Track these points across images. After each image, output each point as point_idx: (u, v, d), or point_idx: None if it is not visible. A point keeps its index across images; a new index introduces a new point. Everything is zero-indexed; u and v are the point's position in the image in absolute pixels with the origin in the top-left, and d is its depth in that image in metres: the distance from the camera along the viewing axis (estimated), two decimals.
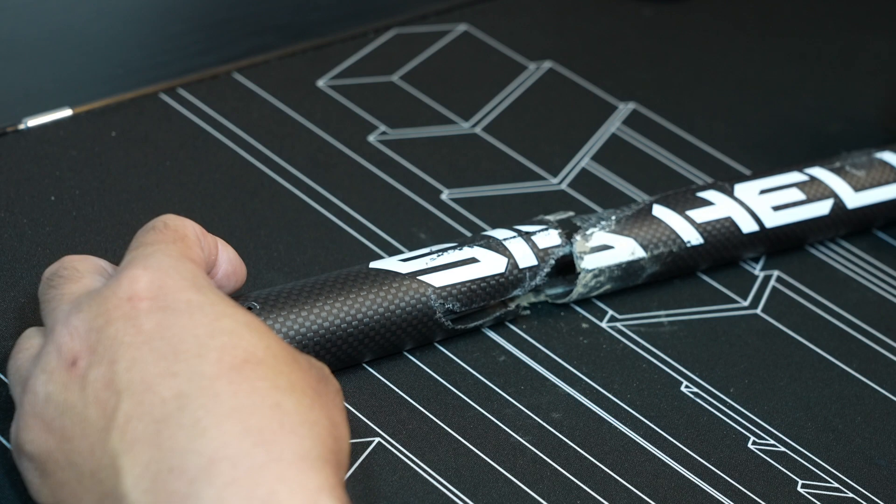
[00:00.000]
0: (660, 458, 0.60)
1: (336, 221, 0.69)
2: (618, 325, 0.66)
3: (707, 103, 0.81)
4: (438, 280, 0.61)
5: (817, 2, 0.91)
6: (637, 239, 0.65)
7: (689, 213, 0.67)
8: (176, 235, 0.52)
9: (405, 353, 0.62)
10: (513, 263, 0.63)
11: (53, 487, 0.48)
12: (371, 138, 0.74)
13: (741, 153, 0.77)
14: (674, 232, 0.66)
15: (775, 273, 0.70)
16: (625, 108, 0.79)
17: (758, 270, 0.70)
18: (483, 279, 0.62)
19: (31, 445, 0.48)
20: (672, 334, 0.66)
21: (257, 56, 0.78)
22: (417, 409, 0.60)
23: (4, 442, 0.55)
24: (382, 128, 0.75)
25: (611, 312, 0.66)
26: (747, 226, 0.68)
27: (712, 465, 0.60)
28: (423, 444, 0.58)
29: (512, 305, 0.64)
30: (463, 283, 0.61)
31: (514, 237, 0.63)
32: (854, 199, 0.70)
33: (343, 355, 0.59)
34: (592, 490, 0.58)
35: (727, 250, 0.68)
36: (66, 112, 0.72)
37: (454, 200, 0.71)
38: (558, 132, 0.77)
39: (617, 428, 0.61)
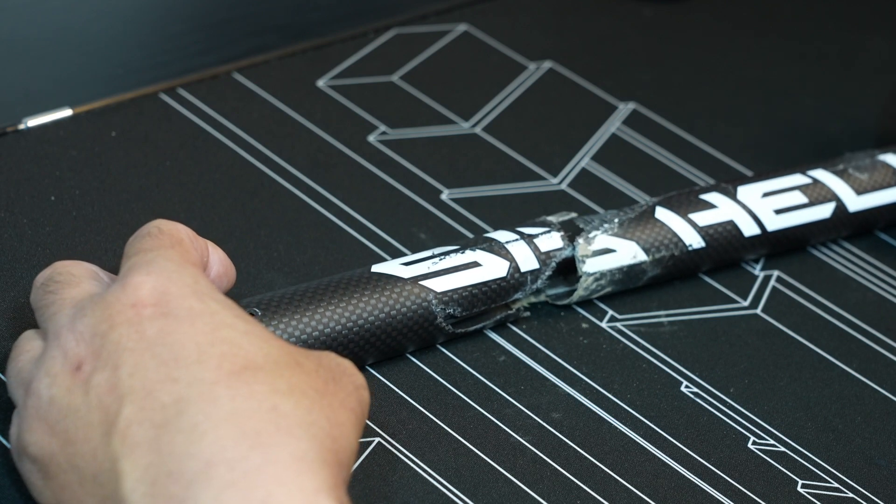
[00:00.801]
0: (660, 458, 0.60)
1: (336, 221, 0.69)
2: (618, 325, 0.66)
3: (707, 103, 0.81)
4: (440, 285, 0.61)
5: (817, 2, 0.91)
6: (639, 242, 0.65)
7: (692, 215, 0.66)
8: (172, 240, 0.52)
9: (405, 354, 0.62)
10: (514, 267, 0.63)
11: (55, 490, 0.48)
12: (371, 138, 0.74)
13: (741, 153, 0.77)
14: (676, 235, 0.66)
15: (775, 273, 0.70)
16: (625, 108, 0.79)
17: (758, 270, 0.70)
18: (484, 283, 0.62)
19: (35, 447, 0.48)
20: (672, 334, 0.66)
21: (257, 56, 0.78)
22: (417, 409, 0.60)
23: (4, 442, 0.55)
24: (382, 128, 0.75)
25: (611, 312, 0.66)
26: (749, 229, 0.68)
27: (712, 465, 0.60)
28: (423, 444, 0.59)
29: (513, 308, 0.64)
30: (464, 288, 0.61)
31: (517, 240, 0.63)
32: (856, 203, 0.70)
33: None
34: (592, 490, 0.58)
35: (728, 253, 0.68)
36: (66, 112, 0.72)
37: (454, 200, 0.71)
38: (558, 132, 0.77)
39: (617, 428, 0.61)
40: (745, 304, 0.68)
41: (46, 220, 0.66)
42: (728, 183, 0.69)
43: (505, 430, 0.60)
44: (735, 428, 0.62)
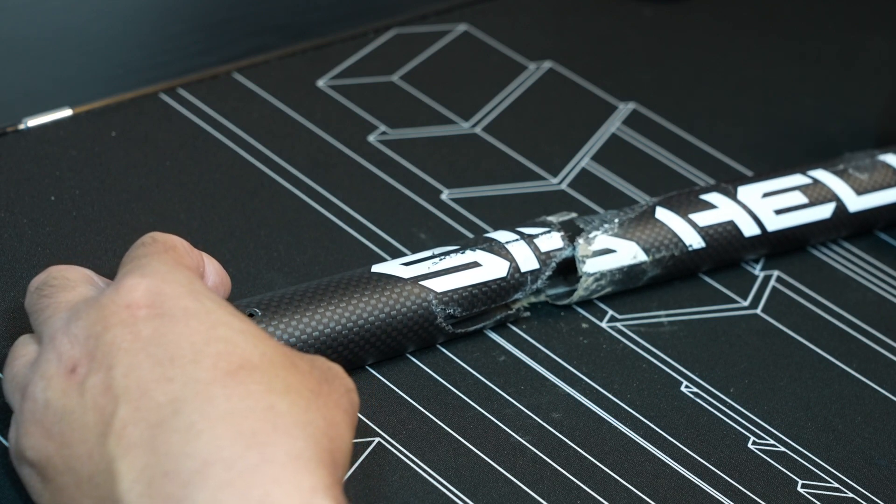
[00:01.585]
0: (660, 458, 0.60)
1: (336, 221, 0.69)
2: (618, 325, 0.66)
3: (707, 103, 0.81)
4: (440, 285, 0.61)
5: (817, 2, 0.91)
6: (639, 242, 0.65)
7: (692, 216, 0.66)
8: (165, 246, 0.53)
9: (405, 354, 0.62)
10: (515, 267, 0.63)
11: (54, 493, 0.48)
12: (371, 138, 0.74)
13: (741, 153, 0.77)
14: (676, 235, 0.66)
15: (775, 273, 0.70)
16: (625, 108, 0.79)
17: (758, 270, 0.70)
18: (485, 283, 0.62)
19: (32, 452, 0.48)
20: (672, 334, 0.66)
21: (257, 56, 0.78)
22: (417, 409, 0.60)
23: (4, 442, 0.55)
24: (382, 128, 0.75)
25: (611, 312, 0.66)
26: (749, 229, 0.68)
27: (712, 465, 0.60)
28: (423, 444, 0.59)
29: (513, 309, 0.64)
30: (464, 288, 0.61)
31: (517, 240, 0.63)
32: (856, 203, 0.70)
33: (344, 359, 0.59)
34: (592, 490, 0.58)
35: (728, 253, 0.68)
36: (66, 112, 0.72)
37: (454, 200, 0.71)
38: (558, 132, 0.77)
39: (617, 428, 0.61)
40: (745, 304, 0.68)
41: (46, 220, 0.66)
42: (728, 183, 0.69)
43: (505, 430, 0.60)
44: (735, 428, 0.62)
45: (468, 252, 0.62)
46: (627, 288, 0.66)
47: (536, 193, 0.72)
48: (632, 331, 0.66)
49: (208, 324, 0.48)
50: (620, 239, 0.65)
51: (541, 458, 0.59)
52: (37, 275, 0.54)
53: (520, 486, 0.57)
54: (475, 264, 0.62)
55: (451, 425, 0.60)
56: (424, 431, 0.59)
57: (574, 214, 0.66)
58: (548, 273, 0.63)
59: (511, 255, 0.63)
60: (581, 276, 0.64)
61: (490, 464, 0.58)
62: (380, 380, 0.61)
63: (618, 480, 0.58)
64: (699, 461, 0.60)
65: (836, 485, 0.60)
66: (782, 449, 0.61)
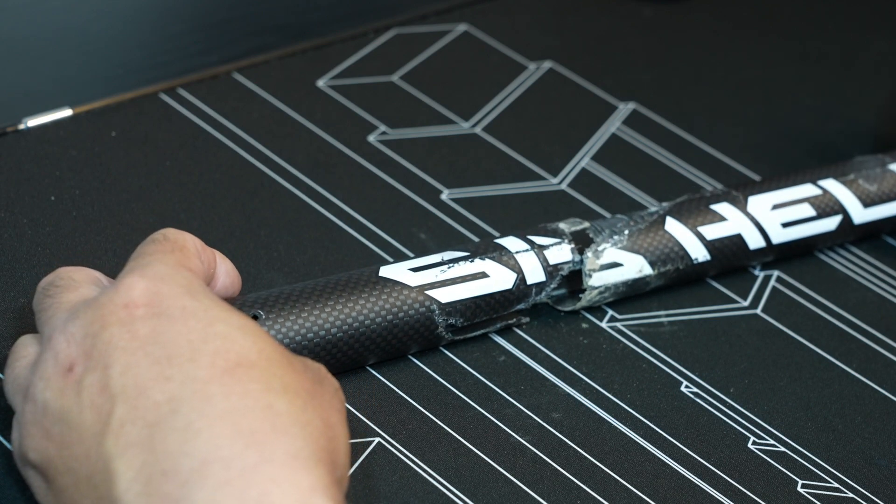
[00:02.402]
0: (660, 458, 0.60)
1: (336, 221, 0.69)
2: (618, 325, 0.66)
3: (707, 103, 0.81)
4: (445, 295, 0.60)
5: (817, 2, 0.91)
6: (646, 256, 0.65)
7: (701, 228, 0.66)
8: (174, 246, 0.53)
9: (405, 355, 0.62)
10: (521, 279, 0.62)
11: (55, 493, 0.48)
12: (371, 138, 0.74)
13: (741, 153, 0.77)
14: (683, 249, 0.66)
15: (775, 273, 0.70)
16: (625, 108, 0.79)
17: (758, 270, 0.70)
18: (489, 294, 0.62)
19: (34, 453, 0.48)
20: (672, 334, 0.66)
21: (257, 56, 0.78)
22: (417, 409, 0.60)
23: (4, 442, 0.55)
24: (382, 128, 0.75)
25: (611, 312, 0.66)
26: (755, 242, 0.67)
27: (712, 465, 0.60)
28: (423, 444, 0.59)
29: (513, 320, 0.64)
30: (469, 299, 0.61)
31: (527, 250, 0.63)
32: (861, 215, 0.69)
33: (343, 359, 0.59)
34: (592, 490, 0.58)
35: (731, 263, 0.68)
36: (66, 112, 0.72)
37: (454, 200, 0.71)
38: (558, 132, 0.77)
39: (617, 428, 0.61)
40: (745, 304, 0.68)
41: (46, 220, 0.66)
42: (739, 191, 0.68)
43: (505, 430, 0.60)
44: (735, 428, 0.62)
45: (477, 261, 0.62)
46: (628, 296, 0.66)
47: (536, 193, 0.72)
48: (632, 331, 0.66)
49: (206, 321, 0.48)
50: (628, 252, 0.64)
51: (541, 458, 0.59)
52: (38, 275, 0.54)
53: (520, 486, 0.57)
54: (483, 275, 0.61)
55: (451, 425, 0.60)
56: (424, 431, 0.59)
57: (586, 224, 0.65)
58: (553, 285, 0.63)
59: (519, 265, 0.62)
60: (586, 290, 0.64)
61: (490, 464, 0.58)
62: (380, 380, 0.61)
63: (618, 480, 0.58)
64: (699, 461, 0.60)
65: (836, 485, 0.60)
66: (782, 449, 0.61)
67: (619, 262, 0.64)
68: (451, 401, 0.61)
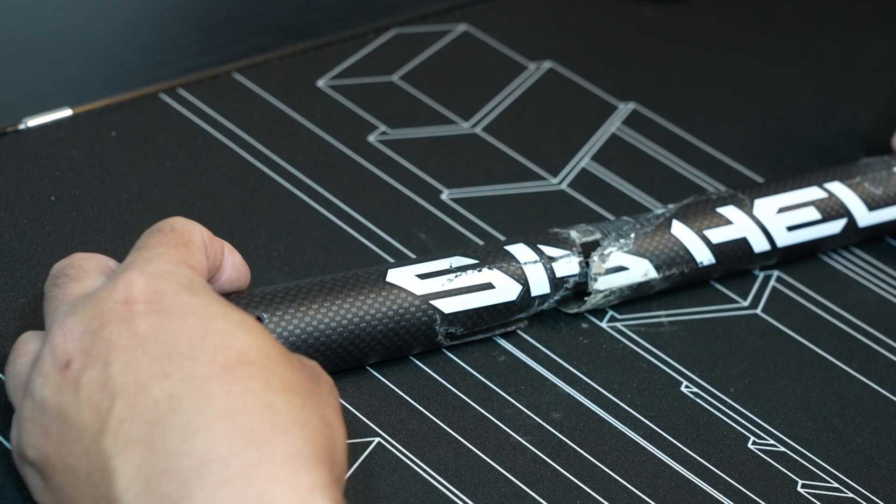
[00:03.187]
0: (660, 458, 0.60)
1: (336, 221, 0.69)
2: (618, 325, 0.66)
3: (707, 103, 0.81)
4: (449, 306, 0.60)
5: (817, 2, 0.91)
6: (652, 259, 0.65)
7: (707, 231, 0.66)
8: (180, 240, 0.52)
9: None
10: (526, 290, 0.62)
11: (54, 491, 0.48)
12: (371, 138, 0.74)
13: (741, 153, 0.77)
14: (689, 253, 0.65)
15: (775, 273, 0.70)
16: (625, 108, 0.79)
17: (758, 271, 0.70)
18: (493, 306, 0.62)
19: (32, 451, 0.48)
20: (672, 334, 0.66)
21: (257, 56, 0.78)
22: (417, 409, 0.60)
23: (5, 442, 0.55)
24: (382, 128, 0.75)
25: (611, 312, 0.66)
26: (760, 246, 0.67)
27: (712, 465, 0.60)
28: (423, 444, 0.58)
29: (512, 328, 0.64)
30: (472, 310, 0.61)
31: (536, 261, 0.62)
32: (866, 218, 0.69)
33: (341, 360, 0.59)
34: (592, 490, 0.58)
35: (735, 266, 0.68)
36: (66, 112, 0.72)
37: (454, 200, 0.71)
38: (558, 132, 0.77)
39: (617, 428, 0.61)
40: (745, 304, 0.68)
41: (46, 220, 0.66)
42: (745, 194, 0.68)
43: (505, 430, 0.60)
44: (735, 428, 0.62)
45: (485, 270, 0.61)
46: (632, 298, 0.66)
47: (536, 193, 0.72)
48: (632, 331, 0.66)
49: (205, 318, 0.48)
50: (633, 256, 0.64)
51: (541, 458, 0.59)
52: (38, 275, 0.54)
53: (520, 486, 0.57)
54: (488, 286, 0.61)
55: (451, 425, 0.60)
56: (424, 431, 0.59)
57: (598, 235, 0.64)
58: (557, 297, 0.63)
59: (525, 277, 0.62)
60: (591, 293, 0.64)
61: (490, 464, 0.58)
62: (380, 380, 0.61)
63: (618, 480, 0.58)
64: (699, 461, 0.60)
65: (836, 485, 0.60)
66: (782, 449, 0.61)
67: (624, 266, 0.64)
68: (451, 401, 0.61)
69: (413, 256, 0.67)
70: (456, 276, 0.61)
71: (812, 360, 0.66)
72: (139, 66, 0.77)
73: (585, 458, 0.59)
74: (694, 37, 0.86)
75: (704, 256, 0.66)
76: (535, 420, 0.60)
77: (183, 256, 0.51)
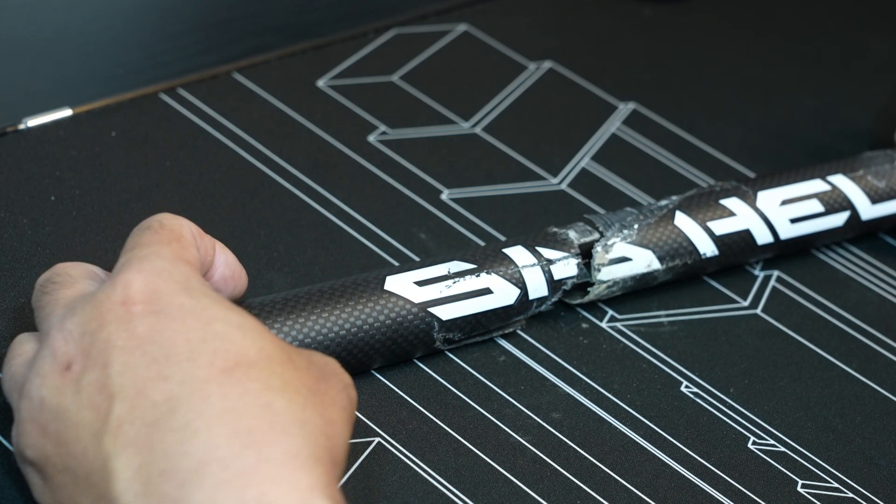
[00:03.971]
0: (660, 458, 0.60)
1: (336, 221, 0.69)
2: (618, 325, 0.66)
3: (707, 103, 0.81)
4: (446, 313, 0.60)
5: (817, 2, 0.91)
6: (655, 250, 0.65)
7: (710, 223, 0.66)
8: (171, 236, 0.52)
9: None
10: (524, 294, 0.62)
11: (54, 491, 0.48)
12: (371, 138, 0.74)
13: (741, 153, 0.77)
14: (692, 244, 0.66)
15: (775, 273, 0.70)
16: (625, 108, 0.79)
17: (758, 270, 0.70)
18: (491, 310, 0.62)
19: (31, 451, 0.48)
20: (672, 334, 0.66)
21: (257, 56, 0.78)
22: (417, 409, 0.60)
23: (5, 442, 0.55)
24: (382, 128, 0.75)
25: (611, 312, 0.66)
26: (763, 237, 0.67)
27: (712, 465, 0.60)
28: (423, 444, 0.58)
29: (510, 330, 0.64)
30: (470, 315, 0.61)
31: (534, 265, 0.62)
32: (869, 212, 0.69)
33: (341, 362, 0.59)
34: (592, 490, 0.58)
35: (738, 258, 0.68)
36: (66, 112, 0.72)
37: (454, 200, 0.71)
38: (558, 132, 0.77)
39: (617, 428, 0.61)
40: (745, 304, 0.68)
41: (46, 220, 0.66)
42: (749, 186, 0.68)
43: (505, 430, 0.60)
44: (735, 428, 0.62)
45: (483, 276, 0.61)
46: (635, 290, 0.66)
47: (536, 193, 0.72)
48: (632, 331, 0.66)
49: (204, 320, 0.48)
50: (637, 247, 0.64)
51: (541, 458, 0.59)
52: (38, 275, 0.54)
53: (520, 486, 0.57)
54: (486, 291, 0.61)
55: (451, 425, 0.60)
56: (424, 431, 0.59)
57: (595, 236, 0.64)
58: (554, 300, 0.63)
59: (523, 280, 0.62)
60: (594, 284, 0.64)
61: (490, 464, 0.58)
62: (380, 380, 0.61)
63: (618, 480, 0.58)
64: (699, 461, 0.60)
65: (836, 485, 0.60)
66: (782, 449, 0.61)
67: (627, 257, 0.64)
68: (451, 401, 0.61)
69: (413, 256, 0.67)
70: (454, 283, 0.61)
71: (812, 360, 0.66)
72: (139, 66, 0.77)
73: (585, 458, 0.59)
74: (694, 37, 0.86)
75: (708, 248, 0.66)
76: (535, 420, 0.60)
77: (177, 252, 0.51)
